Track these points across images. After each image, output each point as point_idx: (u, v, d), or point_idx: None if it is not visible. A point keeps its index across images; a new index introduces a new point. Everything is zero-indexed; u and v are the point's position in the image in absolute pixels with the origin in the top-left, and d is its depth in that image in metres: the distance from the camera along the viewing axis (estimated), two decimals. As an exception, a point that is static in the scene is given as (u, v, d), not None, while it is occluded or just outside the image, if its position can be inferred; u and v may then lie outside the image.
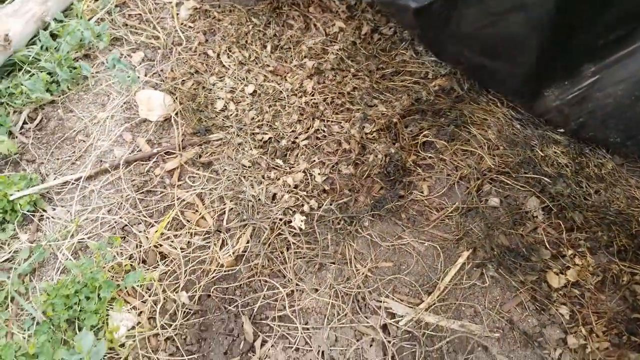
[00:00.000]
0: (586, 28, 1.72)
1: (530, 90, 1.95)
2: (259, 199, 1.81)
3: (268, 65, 2.21)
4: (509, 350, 1.58)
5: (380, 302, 1.64)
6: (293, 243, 1.73)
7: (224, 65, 2.20)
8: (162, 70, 2.15)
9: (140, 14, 2.35)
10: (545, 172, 1.92)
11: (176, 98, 2.04)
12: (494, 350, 1.57)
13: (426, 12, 1.80)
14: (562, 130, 2.04)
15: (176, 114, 2.01)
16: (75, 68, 2.09)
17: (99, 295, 1.58)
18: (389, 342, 1.56)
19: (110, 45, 2.23)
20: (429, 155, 1.98)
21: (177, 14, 2.35)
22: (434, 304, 1.64)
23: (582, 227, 1.79)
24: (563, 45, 1.76)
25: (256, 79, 2.17)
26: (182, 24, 2.32)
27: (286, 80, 2.19)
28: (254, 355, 1.53)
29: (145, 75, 2.13)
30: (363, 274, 1.68)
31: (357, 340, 1.57)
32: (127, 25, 2.30)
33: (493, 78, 2.09)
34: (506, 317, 1.62)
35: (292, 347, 1.55)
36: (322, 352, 1.54)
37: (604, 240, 1.74)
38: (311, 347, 1.55)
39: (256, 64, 2.23)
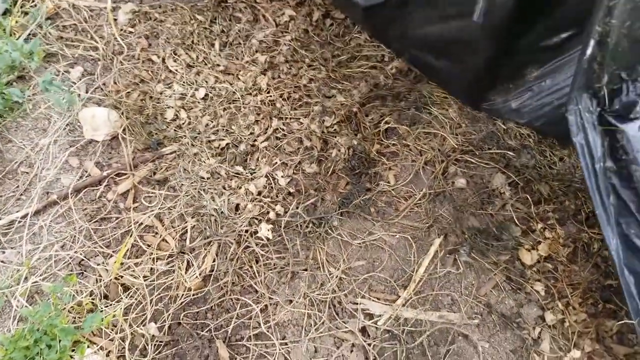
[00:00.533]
0: (531, 29, 1.41)
1: (475, 91, 1.61)
2: (222, 212, 1.54)
3: (218, 65, 1.88)
4: (489, 335, 1.39)
5: (357, 304, 1.40)
6: (262, 255, 1.48)
7: (170, 71, 1.85)
8: (104, 84, 1.80)
9: (75, 24, 1.95)
10: (509, 146, 1.70)
11: (122, 113, 1.71)
12: (475, 337, 1.38)
13: (375, 11, 1.49)
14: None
15: (123, 130, 1.68)
16: (5, 94, 1.74)
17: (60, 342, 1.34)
18: (369, 344, 1.34)
19: (45, 63, 1.85)
20: (392, 142, 1.72)
21: (115, 20, 1.97)
22: (410, 298, 1.43)
23: (550, 198, 1.59)
24: (510, 48, 1.49)
25: (207, 82, 1.85)
26: (121, 30, 1.94)
27: (239, 78, 1.86)
28: (233, 381, 1.33)
29: (87, 92, 1.77)
30: (337, 277, 1.45)
31: (337, 348, 1.35)
32: (62, 38, 1.91)
33: (439, 76, 1.72)
34: (483, 302, 1.42)
35: (272, 365, 1.36)
36: (303, 365, 1.36)
37: (572, 209, 1.55)
38: (291, 362, 1.36)
39: (205, 64, 1.89)
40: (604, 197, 1.11)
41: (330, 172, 1.64)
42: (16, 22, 1.94)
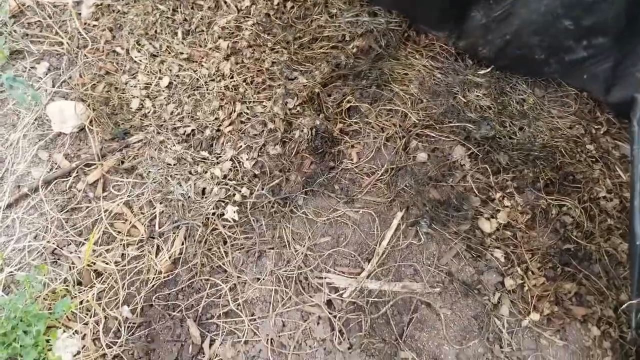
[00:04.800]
0: None
1: (457, 12, 1.64)
2: (189, 197, 1.51)
3: (182, 53, 1.81)
4: (451, 302, 1.37)
5: (322, 278, 1.38)
6: (229, 236, 1.45)
7: (135, 61, 1.79)
8: (70, 78, 1.74)
9: (40, 21, 1.88)
10: (469, 118, 1.65)
11: (89, 105, 1.66)
12: (437, 305, 1.37)
13: None
14: (485, 51, 1.72)
15: (90, 122, 1.64)
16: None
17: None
18: (335, 316, 1.33)
19: (12, 60, 1.80)
20: (355, 120, 1.67)
21: (79, 14, 1.90)
22: (374, 270, 1.41)
23: (508, 167, 1.54)
24: None
25: (170, 70, 1.78)
26: (85, 24, 1.87)
27: (202, 65, 1.80)
28: (203, 357, 1.28)
29: (54, 86, 1.72)
30: (302, 253, 1.42)
31: (304, 321, 1.34)
32: (27, 35, 1.85)
33: (419, 6, 1.75)
34: (445, 271, 1.40)
35: (240, 341, 1.31)
36: (271, 339, 1.30)
37: (530, 178, 1.51)
38: (259, 337, 1.30)
39: (169, 53, 1.83)
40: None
41: (294, 153, 1.61)
42: (-19, 21, 1.89)
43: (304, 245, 1.43)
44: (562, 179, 1.50)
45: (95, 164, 1.56)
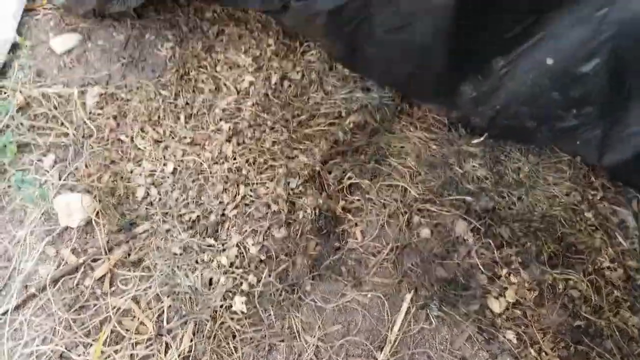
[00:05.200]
0: (491, 25, 1.50)
1: (448, 87, 1.72)
2: (196, 289, 1.50)
3: (185, 137, 1.86)
4: (467, 388, 1.38)
5: (335, 371, 1.40)
6: (237, 329, 1.43)
7: (139, 148, 1.83)
8: (76, 169, 1.77)
9: (45, 112, 1.92)
10: (468, 190, 1.69)
11: (95, 196, 1.69)
12: (453, 392, 1.37)
13: (340, 14, 1.54)
14: (477, 121, 1.80)
15: (97, 214, 1.66)
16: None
17: None
18: (350, 412, 1.34)
19: (19, 153, 1.86)
20: (356, 197, 1.70)
21: (84, 104, 1.97)
22: None
23: (511, 241, 1.56)
24: (471, 44, 1.54)
25: (174, 155, 1.82)
26: (90, 113, 1.92)
27: (205, 149, 1.84)
28: None
29: (60, 179, 1.75)
30: (314, 345, 1.40)
31: (319, 419, 1.34)
32: (33, 127, 1.89)
33: (411, 83, 1.82)
34: (459, 356, 1.38)
35: None
36: None
37: (533, 251, 1.52)
38: None
39: (172, 138, 1.87)
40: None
41: (299, 235, 1.62)
42: (-11, 115, 1.94)
43: (315, 336, 1.41)
44: (565, 250, 1.51)
45: (102, 258, 1.57)
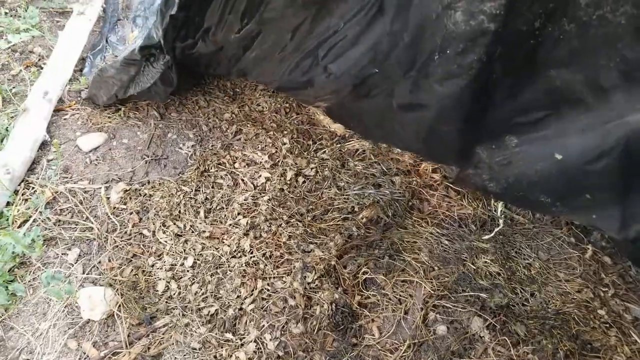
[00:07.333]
0: (499, 109, 1.84)
1: (464, 154, 2.01)
2: (214, 385, 1.81)
3: (204, 232, 2.31)
4: None
5: None
6: None
7: (160, 242, 2.27)
8: (99, 263, 2.19)
9: (72, 207, 2.42)
10: (482, 286, 2.05)
11: (117, 290, 2.07)
12: None
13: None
14: (492, 186, 2.09)
15: (118, 307, 2.02)
16: (11, 281, 2.09)
17: None
18: None
19: (45, 247, 2.27)
20: (372, 293, 2.07)
21: (108, 199, 2.45)
22: None
23: (527, 338, 1.88)
24: (483, 119, 1.88)
25: (194, 249, 2.25)
26: (114, 208, 2.41)
27: (224, 242, 2.28)
28: None
29: (84, 273, 2.16)
30: None
31: None
32: (59, 222, 2.36)
33: (432, 150, 2.14)
34: None
35: None
36: None
37: (550, 349, 1.84)
38: None
39: (192, 232, 2.32)
40: None
41: (316, 330, 1.94)
42: (17, 210, 2.39)
43: None
44: (581, 349, 1.80)
45: (122, 351, 1.87)
